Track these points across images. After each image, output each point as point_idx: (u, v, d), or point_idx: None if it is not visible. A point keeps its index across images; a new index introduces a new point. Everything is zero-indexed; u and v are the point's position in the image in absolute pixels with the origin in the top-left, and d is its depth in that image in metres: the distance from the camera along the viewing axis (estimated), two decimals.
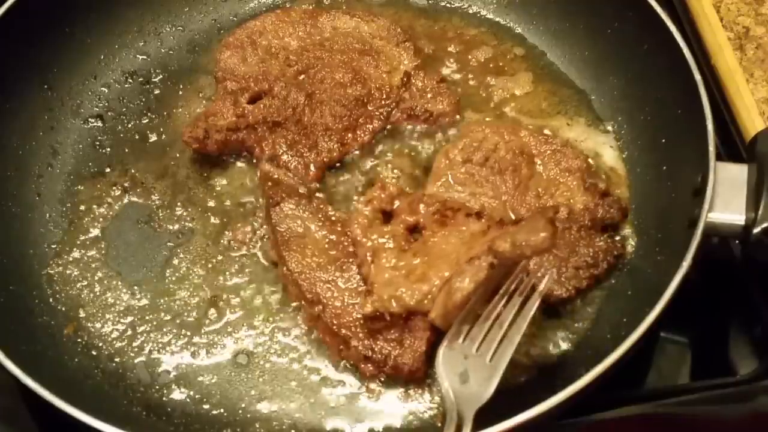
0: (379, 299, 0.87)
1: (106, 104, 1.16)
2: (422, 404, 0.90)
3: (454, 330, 0.83)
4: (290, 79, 1.11)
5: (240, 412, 0.91)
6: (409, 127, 1.10)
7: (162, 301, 0.99)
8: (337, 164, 1.07)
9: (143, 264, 1.02)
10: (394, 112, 1.10)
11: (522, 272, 0.86)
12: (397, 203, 0.97)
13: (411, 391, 0.91)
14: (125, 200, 1.07)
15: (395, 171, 1.06)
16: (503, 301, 0.84)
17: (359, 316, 0.91)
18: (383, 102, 1.10)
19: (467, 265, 0.84)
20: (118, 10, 1.20)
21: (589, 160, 1.05)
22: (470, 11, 1.23)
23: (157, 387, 0.93)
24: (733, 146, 1.02)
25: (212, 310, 0.98)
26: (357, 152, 1.08)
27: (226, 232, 1.03)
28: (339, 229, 0.97)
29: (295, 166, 1.04)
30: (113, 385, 0.93)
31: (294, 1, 1.25)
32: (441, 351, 0.82)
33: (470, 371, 0.81)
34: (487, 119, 1.11)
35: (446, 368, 0.81)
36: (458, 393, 0.80)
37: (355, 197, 1.04)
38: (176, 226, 1.05)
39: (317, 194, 1.03)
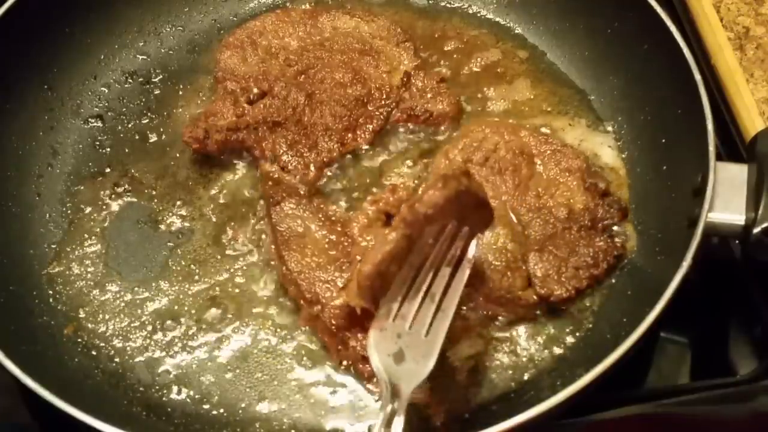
0: (350, 294, 0.86)
1: (106, 104, 1.16)
2: (421, 404, 0.90)
3: (383, 311, 0.81)
4: (290, 79, 1.11)
5: (240, 412, 0.91)
6: (409, 127, 1.10)
7: (162, 301, 0.99)
8: (337, 164, 1.07)
9: (143, 264, 1.02)
10: (394, 112, 1.10)
11: (446, 241, 0.83)
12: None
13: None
14: (125, 200, 1.07)
15: (395, 171, 1.06)
16: (431, 275, 0.82)
17: (358, 316, 0.91)
18: (383, 102, 1.10)
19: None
20: (118, 10, 1.20)
21: (589, 160, 1.05)
22: (470, 11, 1.23)
23: (157, 387, 0.93)
24: (733, 146, 1.02)
25: (212, 310, 0.98)
26: (357, 152, 1.08)
27: (226, 232, 1.03)
28: (339, 229, 0.97)
29: (295, 166, 1.04)
30: (113, 385, 0.93)
31: (294, 1, 1.25)
32: (371, 333, 0.80)
33: (405, 350, 0.79)
34: (487, 119, 1.11)
35: (379, 351, 0.79)
36: (395, 373, 0.78)
37: (355, 193, 1.04)
38: (176, 226, 1.05)
39: (317, 194, 1.03)
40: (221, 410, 0.91)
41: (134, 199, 1.07)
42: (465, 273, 0.82)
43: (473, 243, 0.84)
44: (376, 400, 0.90)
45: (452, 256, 0.82)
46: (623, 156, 1.07)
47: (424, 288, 0.81)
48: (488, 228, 0.90)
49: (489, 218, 0.86)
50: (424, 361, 0.79)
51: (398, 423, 0.76)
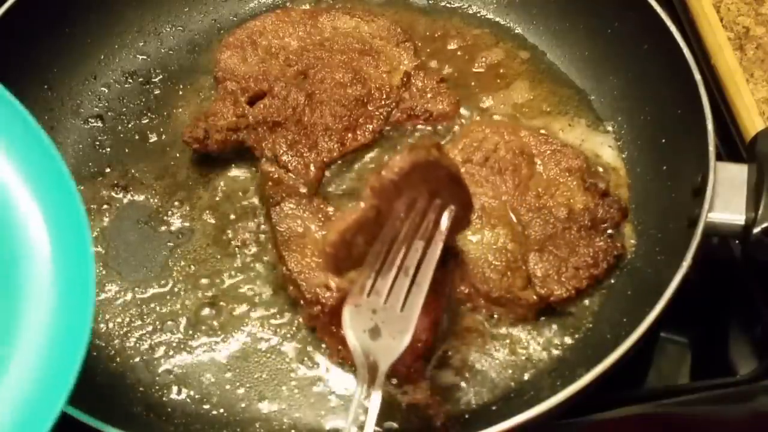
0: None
1: (106, 104, 1.16)
2: (421, 404, 0.90)
3: (357, 287, 0.80)
4: (290, 79, 1.11)
5: (240, 412, 0.91)
6: (409, 127, 1.10)
7: (162, 301, 0.99)
8: (337, 164, 1.07)
9: (143, 264, 1.02)
10: (394, 112, 1.10)
11: (418, 215, 0.81)
12: None
13: (410, 391, 0.90)
14: (125, 200, 1.07)
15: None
16: (404, 249, 0.80)
17: None
18: (383, 102, 1.10)
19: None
20: (118, 10, 1.20)
21: (589, 160, 1.05)
22: (470, 11, 1.23)
23: (157, 387, 0.93)
24: (733, 146, 1.02)
25: (212, 310, 0.98)
26: (357, 152, 1.08)
27: (226, 232, 1.03)
28: None
29: (295, 166, 1.04)
30: (113, 385, 0.93)
31: (294, 1, 1.25)
32: (346, 310, 0.79)
33: (381, 325, 0.78)
34: (487, 119, 1.10)
35: (354, 328, 0.78)
36: (371, 350, 0.77)
37: (355, 194, 1.04)
38: (176, 226, 1.05)
39: (317, 194, 1.03)
40: (221, 410, 0.91)
41: (134, 199, 1.07)
42: (439, 246, 0.81)
43: (446, 215, 0.82)
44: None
45: (425, 229, 0.81)
46: (623, 156, 1.07)
47: (397, 262, 0.80)
48: (468, 210, 0.87)
49: (465, 197, 0.84)
50: (401, 336, 0.78)
51: (375, 399, 0.76)
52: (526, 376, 0.92)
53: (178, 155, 1.10)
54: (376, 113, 1.09)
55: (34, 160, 0.73)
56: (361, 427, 0.76)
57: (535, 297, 0.94)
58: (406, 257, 0.80)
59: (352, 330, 0.78)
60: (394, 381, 0.90)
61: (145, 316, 0.98)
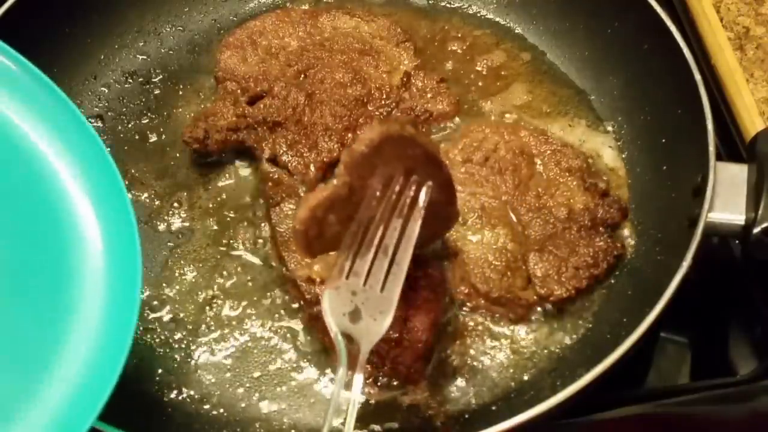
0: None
1: (106, 104, 1.16)
2: (421, 404, 0.90)
3: (335, 269, 0.79)
4: (290, 79, 1.11)
5: (240, 412, 0.91)
6: None
7: (162, 301, 0.99)
8: (337, 164, 1.07)
9: (143, 264, 1.01)
10: (394, 112, 1.10)
11: (394, 192, 0.79)
12: None
13: (410, 391, 0.91)
14: None
15: None
16: (381, 228, 0.78)
17: None
18: (383, 102, 1.10)
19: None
20: (118, 10, 1.20)
21: (589, 160, 1.05)
22: (470, 11, 1.23)
23: (157, 387, 0.93)
24: (733, 146, 1.02)
25: (212, 310, 0.98)
26: None
27: (226, 232, 1.03)
28: None
29: (295, 166, 1.04)
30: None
31: (294, 1, 1.25)
32: (325, 294, 0.78)
33: (361, 307, 0.77)
34: (488, 119, 1.10)
35: (333, 311, 0.77)
36: (352, 332, 0.77)
37: None
38: (176, 226, 1.05)
39: None
40: (221, 410, 0.91)
41: (134, 199, 1.07)
42: (417, 223, 0.79)
43: (423, 191, 0.80)
44: (376, 401, 0.90)
45: (402, 206, 0.79)
46: (623, 156, 1.07)
47: (375, 242, 0.78)
48: (449, 192, 0.84)
49: (445, 179, 0.81)
50: (382, 317, 0.77)
51: (357, 381, 0.75)
52: (526, 376, 0.92)
53: (178, 155, 1.10)
54: (376, 113, 1.09)
55: (87, 159, 0.77)
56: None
57: (535, 297, 0.94)
58: (384, 237, 0.78)
59: (332, 314, 0.77)
60: (395, 381, 0.90)
61: (144, 317, 0.98)
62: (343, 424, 0.75)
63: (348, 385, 0.77)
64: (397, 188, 0.79)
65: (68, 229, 0.75)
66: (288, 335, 0.95)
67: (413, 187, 0.79)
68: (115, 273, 0.73)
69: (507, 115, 1.11)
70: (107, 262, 0.74)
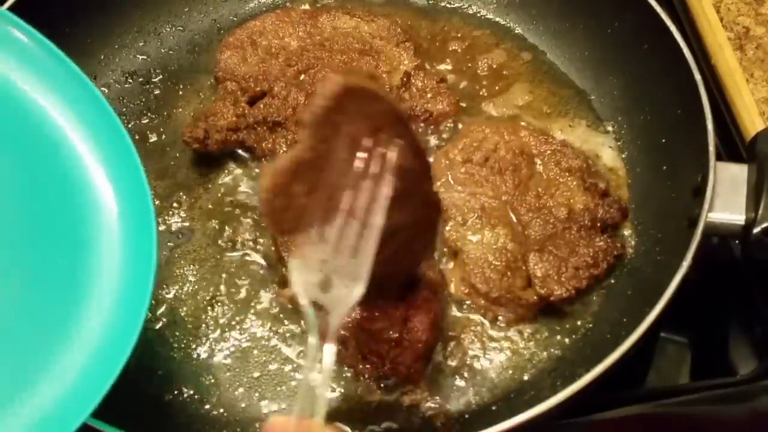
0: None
1: None
2: (421, 404, 0.90)
3: (303, 238, 0.74)
4: (290, 79, 1.11)
5: (240, 412, 0.91)
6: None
7: (162, 301, 0.99)
8: None
9: None
10: None
11: (362, 153, 0.73)
12: None
13: (410, 391, 0.91)
14: None
15: None
16: (350, 192, 0.73)
17: (358, 316, 0.91)
18: None
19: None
20: (118, 10, 1.20)
21: (589, 160, 1.05)
22: (470, 11, 1.23)
23: (157, 387, 0.93)
24: (733, 146, 1.02)
25: (212, 311, 0.98)
26: None
27: (226, 232, 1.03)
28: None
29: None
30: (112, 385, 0.93)
31: (294, 1, 1.25)
32: (292, 264, 0.73)
33: (332, 275, 0.73)
34: (488, 119, 1.11)
35: (302, 282, 0.73)
36: (323, 302, 0.72)
37: None
38: (176, 226, 1.05)
39: None
40: (221, 410, 0.91)
41: None
42: (388, 183, 0.73)
43: (393, 147, 0.73)
44: (376, 401, 0.90)
45: (371, 166, 0.73)
46: (623, 156, 1.07)
47: (344, 206, 0.73)
48: (420, 159, 0.78)
49: (414, 142, 0.76)
50: (354, 284, 0.72)
51: (329, 351, 0.71)
52: (526, 376, 0.92)
53: (178, 155, 1.10)
54: None
55: (99, 127, 0.81)
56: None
57: (535, 297, 0.94)
58: (353, 200, 0.73)
59: (301, 285, 0.72)
60: (395, 381, 0.90)
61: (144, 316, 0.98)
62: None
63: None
64: (364, 148, 0.73)
65: (83, 195, 0.78)
66: (288, 335, 0.95)
67: (381, 146, 0.73)
68: (131, 235, 0.76)
69: (507, 115, 1.11)
70: (122, 225, 0.76)
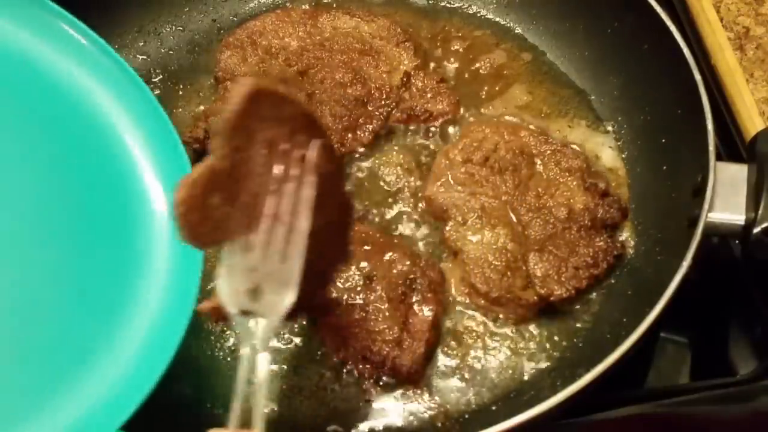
0: None
1: None
2: (422, 404, 0.90)
3: (229, 248, 0.71)
4: (290, 79, 1.11)
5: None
6: (409, 127, 1.10)
7: None
8: None
9: None
10: (394, 112, 1.10)
11: (280, 157, 0.71)
12: None
13: (410, 392, 0.91)
14: None
15: (395, 171, 1.06)
16: (272, 197, 0.71)
17: (358, 317, 0.91)
18: (383, 102, 1.10)
19: None
20: (118, 10, 1.20)
21: (589, 160, 1.05)
22: (470, 11, 1.23)
23: (157, 387, 0.93)
24: (733, 146, 1.02)
25: None
26: (357, 152, 1.08)
27: None
28: None
29: None
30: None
31: (294, 1, 1.25)
32: (219, 274, 0.71)
33: (262, 282, 0.71)
34: (488, 119, 1.10)
35: (230, 293, 0.70)
36: (255, 311, 0.70)
37: (354, 194, 1.04)
38: None
39: None
40: (221, 410, 0.91)
41: None
42: (311, 183, 0.71)
43: (312, 147, 0.71)
44: (376, 401, 0.90)
45: (291, 168, 0.71)
46: (623, 156, 1.07)
47: (268, 212, 0.71)
48: (330, 153, 0.75)
49: (324, 139, 0.73)
50: (284, 290, 0.70)
51: (263, 361, 0.69)
52: (526, 376, 0.92)
53: None
54: (376, 113, 1.09)
55: (144, 117, 0.89)
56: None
57: (535, 297, 0.94)
58: (277, 204, 0.71)
59: (230, 297, 0.70)
60: (395, 381, 0.90)
61: None
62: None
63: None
64: (282, 151, 0.71)
65: (132, 185, 0.85)
66: (287, 335, 0.95)
67: (299, 148, 0.71)
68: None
69: (507, 116, 1.11)
70: (171, 225, 0.82)
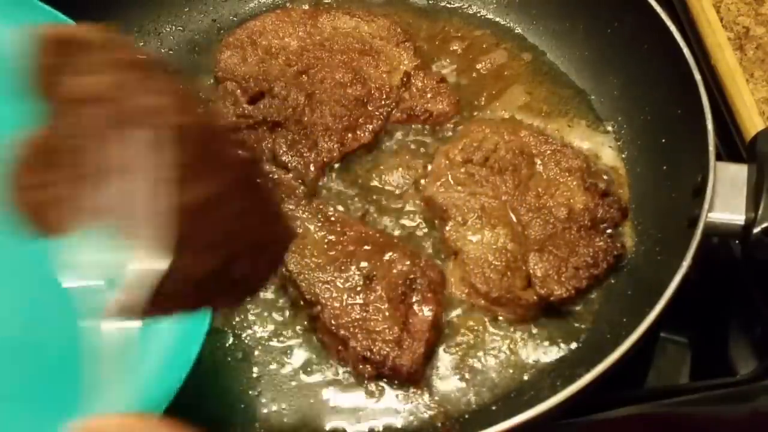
0: None
1: None
2: (422, 404, 0.90)
3: (77, 212, 0.60)
4: (290, 79, 1.11)
5: (240, 412, 0.91)
6: (410, 127, 1.10)
7: None
8: (337, 164, 1.07)
9: None
10: (394, 112, 1.10)
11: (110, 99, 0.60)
12: None
13: (410, 392, 0.91)
14: None
15: (394, 171, 1.06)
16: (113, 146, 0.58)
17: (358, 317, 0.91)
18: (383, 102, 1.10)
19: None
20: (118, 10, 1.20)
21: (589, 160, 1.05)
22: (470, 11, 1.23)
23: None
24: (733, 146, 1.02)
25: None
26: (357, 152, 1.08)
27: None
28: (338, 229, 0.97)
29: (295, 166, 1.04)
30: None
31: (294, 1, 1.25)
32: (72, 243, 0.60)
33: (131, 243, 0.59)
34: (488, 119, 1.10)
35: (93, 261, 0.60)
36: (122, 280, 0.59)
37: (355, 194, 1.04)
38: None
39: (317, 195, 1.03)
40: (222, 410, 0.91)
41: None
42: (149, 127, 0.58)
43: (146, 94, 0.60)
44: (376, 401, 0.90)
45: (128, 119, 0.59)
46: (623, 156, 1.07)
47: (108, 168, 0.58)
48: (207, 117, 0.64)
49: (180, 92, 0.62)
50: (151, 250, 0.58)
51: (133, 325, 0.60)
52: (526, 376, 0.92)
53: None
54: (376, 113, 1.09)
55: None
56: None
57: (535, 297, 0.94)
58: (117, 157, 0.58)
59: (91, 265, 0.59)
60: (395, 381, 0.90)
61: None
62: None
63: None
64: (108, 99, 0.60)
65: None
66: (288, 335, 0.95)
67: (130, 95, 0.60)
68: None
69: (507, 116, 1.11)
70: None
